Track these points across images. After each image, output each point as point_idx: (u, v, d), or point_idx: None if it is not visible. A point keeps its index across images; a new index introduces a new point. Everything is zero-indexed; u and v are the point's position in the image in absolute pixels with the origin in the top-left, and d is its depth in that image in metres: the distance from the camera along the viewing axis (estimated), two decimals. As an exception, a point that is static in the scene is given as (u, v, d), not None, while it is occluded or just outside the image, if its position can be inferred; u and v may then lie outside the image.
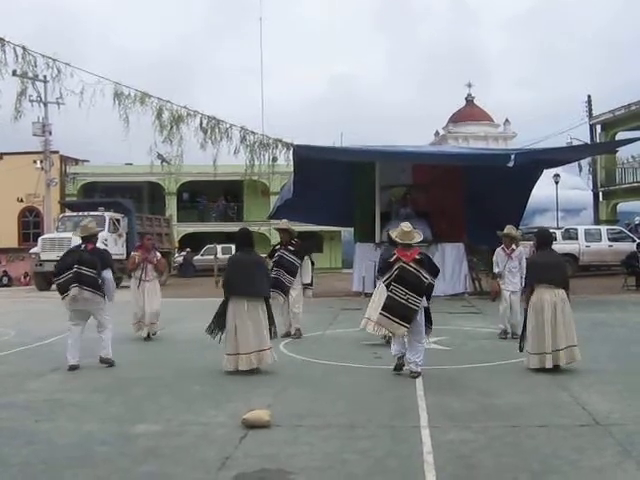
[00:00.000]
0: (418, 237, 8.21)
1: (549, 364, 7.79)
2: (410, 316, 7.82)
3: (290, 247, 11.48)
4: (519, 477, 4.59)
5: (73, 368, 8.46)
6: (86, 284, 8.53)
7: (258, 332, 8.06)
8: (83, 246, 8.89)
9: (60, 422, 6.10)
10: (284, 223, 12.18)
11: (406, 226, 8.20)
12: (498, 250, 11.14)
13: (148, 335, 11.16)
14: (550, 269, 8.07)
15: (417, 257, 7.96)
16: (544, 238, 8.53)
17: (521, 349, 8.18)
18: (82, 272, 8.53)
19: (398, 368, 8.07)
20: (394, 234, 8.26)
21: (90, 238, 9.00)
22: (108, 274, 8.77)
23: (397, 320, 7.81)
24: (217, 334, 8.27)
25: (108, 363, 8.70)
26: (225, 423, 5.96)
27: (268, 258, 11.73)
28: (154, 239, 11.67)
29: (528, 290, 8.19)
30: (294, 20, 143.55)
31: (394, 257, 8.00)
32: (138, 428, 5.83)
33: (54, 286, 9.42)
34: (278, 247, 11.66)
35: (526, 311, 8.17)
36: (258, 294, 8.19)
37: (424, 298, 7.89)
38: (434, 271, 8.16)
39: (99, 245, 9.86)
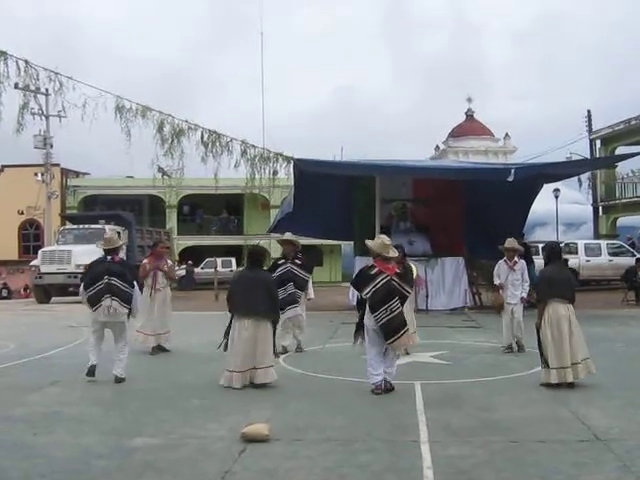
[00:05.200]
0: (394, 253, 8.04)
1: (570, 378, 7.74)
2: (402, 320, 7.74)
3: (297, 261, 11.11)
4: (519, 492, 4.58)
5: (92, 369, 8.50)
6: (116, 295, 8.58)
7: (257, 350, 8.00)
8: (109, 258, 8.89)
9: (58, 435, 6.08)
10: (289, 235, 11.77)
11: (386, 239, 8.09)
12: (500, 262, 11.14)
13: (159, 346, 10.91)
14: (562, 284, 8.04)
15: (398, 271, 7.91)
16: (554, 252, 8.47)
17: (547, 364, 7.89)
18: (112, 283, 8.59)
19: (376, 394, 7.65)
20: (373, 245, 8.05)
21: (114, 250, 9.00)
22: (136, 287, 8.92)
23: (401, 333, 7.70)
24: (225, 345, 8.17)
25: (122, 381, 8.60)
26: (224, 437, 5.94)
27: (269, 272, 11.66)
28: (167, 247, 11.44)
29: (542, 305, 8.01)
30: (295, 33, 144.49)
31: (376, 269, 7.79)
32: (136, 441, 5.81)
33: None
34: (282, 261, 11.16)
35: (538, 326, 7.99)
36: (261, 315, 8.07)
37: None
38: (411, 282, 8.26)
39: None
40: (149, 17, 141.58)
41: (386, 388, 7.70)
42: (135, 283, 8.96)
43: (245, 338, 7.97)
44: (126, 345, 8.81)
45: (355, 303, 8.36)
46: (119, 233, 27.05)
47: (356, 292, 8.20)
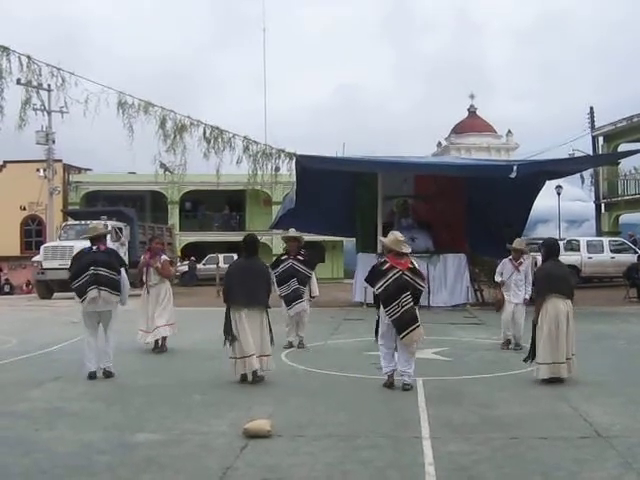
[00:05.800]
0: (407, 249, 8.05)
1: (565, 373, 7.80)
2: (414, 315, 7.72)
3: (300, 257, 11.08)
4: (520, 489, 4.58)
5: (93, 376, 8.43)
6: (104, 285, 8.53)
7: (259, 338, 8.02)
8: (95, 247, 8.85)
9: (60, 431, 6.09)
10: (293, 232, 11.84)
11: (399, 235, 8.12)
12: (505, 261, 11.13)
13: (156, 344, 10.73)
14: (561, 279, 8.11)
15: (411, 266, 7.91)
16: (552, 248, 8.50)
17: (526, 360, 8.12)
18: (99, 273, 8.54)
19: (389, 385, 7.77)
20: (387, 241, 8.13)
21: (99, 239, 8.98)
22: (123, 273, 8.84)
23: (412, 328, 7.68)
24: (231, 340, 8.06)
25: (110, 375, 8.56)
26: (226, 433, 5.94)
27: (271, 268, 11.62)
28: (162, 243, 11.28)
29: (540, 300, 8.04)
30: (298, 30, 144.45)
31: (387, 265, 7.83)
32: (138, 437, 5.82)
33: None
34: (285, 257, 11.17)
35: (534, 322, 8.03)
36: (256, 304, 8.11)
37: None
38: (423, 278, 8.20)
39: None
40: (149, 16, 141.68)
41: (404, 389, 7.64)
42: (123, 270, 8.87)
43: (246, 327, 7.96)
44: (112, 336, 8.71)
45: (373, 300, 8.39)
46: (121, 229, 27.18)
47: (369, 288, 8.18)
